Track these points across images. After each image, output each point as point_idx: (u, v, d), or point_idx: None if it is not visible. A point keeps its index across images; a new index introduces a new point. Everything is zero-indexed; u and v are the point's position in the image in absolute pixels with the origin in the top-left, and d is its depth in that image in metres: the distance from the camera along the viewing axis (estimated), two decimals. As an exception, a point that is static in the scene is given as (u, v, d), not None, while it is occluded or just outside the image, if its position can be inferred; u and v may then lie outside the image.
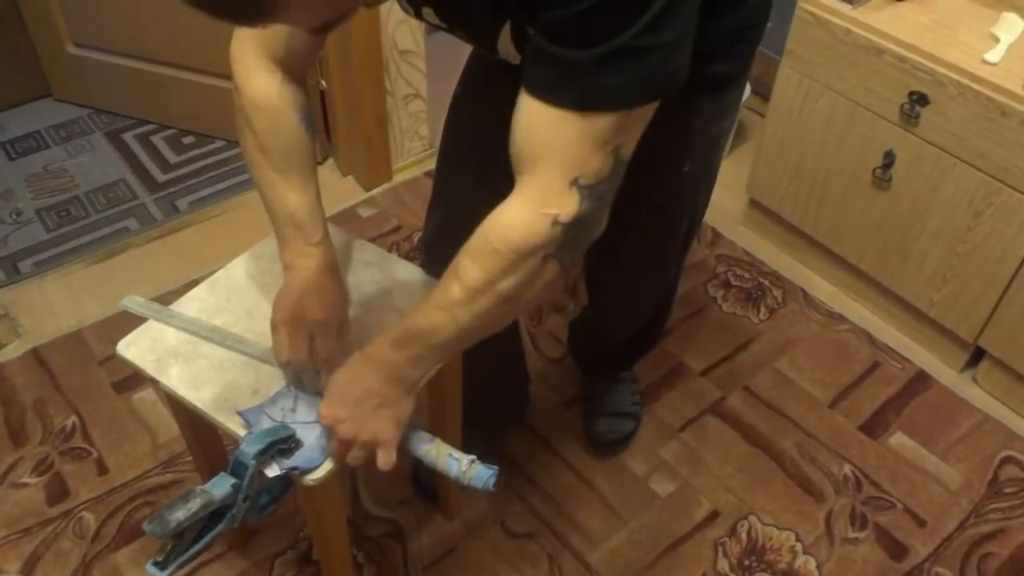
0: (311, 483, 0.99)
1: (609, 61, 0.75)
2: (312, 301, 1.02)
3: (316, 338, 1.01)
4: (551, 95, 0.79)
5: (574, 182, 0.81)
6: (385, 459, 0.96)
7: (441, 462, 0.99)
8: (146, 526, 0.89)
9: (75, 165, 2.26)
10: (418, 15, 0.95)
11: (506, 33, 0.87)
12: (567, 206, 0.82)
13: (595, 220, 0.85)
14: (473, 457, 0.99)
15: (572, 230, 0.83)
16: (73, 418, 1.67)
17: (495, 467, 0.97)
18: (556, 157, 0.81)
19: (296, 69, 1.04)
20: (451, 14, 0.93)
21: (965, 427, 1.70)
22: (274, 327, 1.03)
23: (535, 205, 0.82)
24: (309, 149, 1.06)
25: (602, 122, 0.78)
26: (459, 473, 0.97)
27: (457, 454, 0.99)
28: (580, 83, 0.77)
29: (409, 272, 1.23)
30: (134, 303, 1.17)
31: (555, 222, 0.82)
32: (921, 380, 1.78)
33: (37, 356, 1.78)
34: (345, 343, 1.06)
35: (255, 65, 1.02)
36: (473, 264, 0.86)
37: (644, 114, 0.81)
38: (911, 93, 1.60)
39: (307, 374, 1.03)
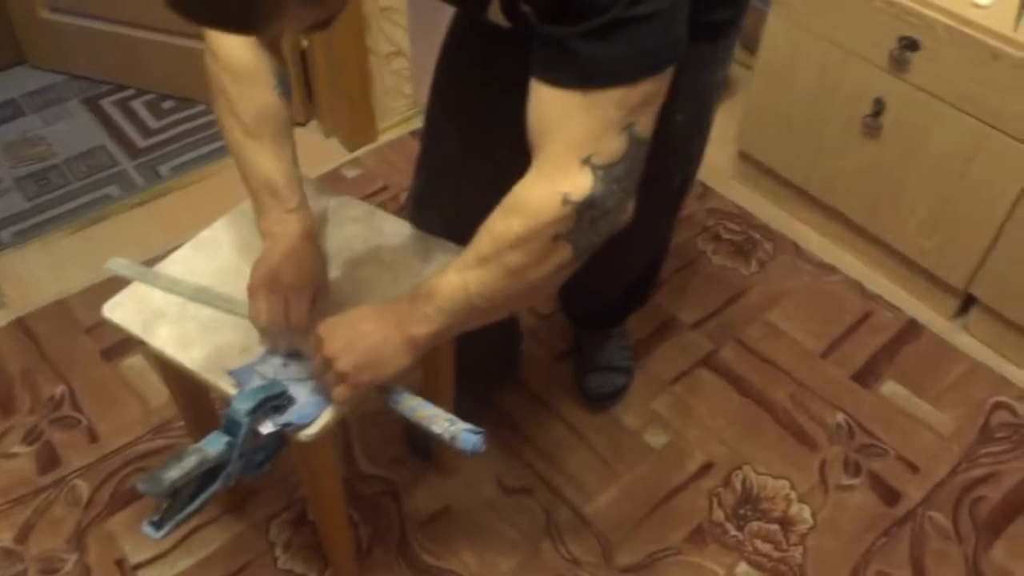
0: (305, 439, 0.98)
1: (602, 35, 0.75)
2: (288, 266, 1.01)
3: (291, 302, 1.00)
4: (552, 75, 0.79)
5: (586, 161, 0.80)
6: (340, 393, 0.95)
7: (429, 424, 0.97)
8: (140, 485, 0.88)
9: (53, 132, 2.21)
10: None
11: (496, 2, 0.87)
12: (578, 185, 0.81)
13: (613, 205, 0.84)
14: (457, 420, 0.97)
15: (586, 212, 0.83)
16: (62, 387, 1.65)
17: (481, 430, 0.96)
18: (564, 135, 0.81)
19: (270, 38, 1.02)
20: None
21: (956, 374, 1.70)
22: (250, 291, 1.02)
23: (547, 181, 0.82)
24: (284, 114, 1.04)
25: (605, 98, 0.78)
26: (448, 435, 0.96)
27: (446, 416, 0.97)
28: (576, 60, 0.77)
29: (397, 227, 1.21)
30: (118, 265, 1.15)
31: (566, 201, 0.82)
32: (912, 329, 1.78)
33: (22, 326, 1.76)
34: (323, 309, 1.05)
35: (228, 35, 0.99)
36: (487, 233, 0.87)
37: (654, 88, 0.80)
38: (901, 39, 1.58)
39: (284, 338, 1.02)
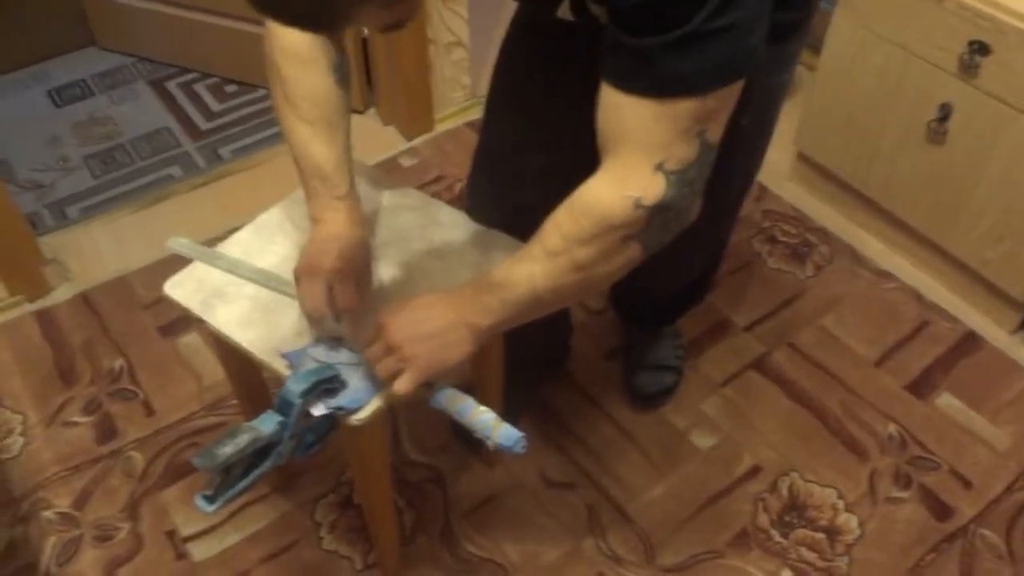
0: (356, 423, 0.99)
1: (681, 47, 0.75)
2: (331, 251, 1.01)
3: (334, 287, 1.01)
4: (627, 83, 0.79)
5: (659, 167, 0.81)
6: (404, 383, 0.94)
7: (470, 421, 0.96)
8: (195, 459, 0.90)
9: (120, 113, 2.27)
10: None
11: (566, 2, 0.87)
12: (651, 189, 0.82)
13: (684, 206, 0.85)
14: (498, 417, 0.96)
15: (658, 215, 0.84)
16: (120, 360, 1.70)
17: (522, 433, 0.95)
18: (638, 142, 0.81)
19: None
20: None
21: (1016, 389, 1.66)
22: (296, 276, 1.03)
23: (618, 186, 0.83)
24: (340, 102, 1.05)
25: (680, 108, 0.78)
26: (488, 434, 0.95)
27: (488, 414, 0.96)
28: (654, 70, 0.77)
29: (452, 217, 1.22)
30: (179, 244, 1.18)
31: (638, 205, 0.83)
32: (971, 341, 1.74)
33: (85, 300, 1.81)
34: (366, 296, 1.06)
35: None
36: (555, 229, 0.88)
37: (727, 96, 0.81)
38: (971, 43, 1.54)
39: (327, 322, 1.02)
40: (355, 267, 1.03)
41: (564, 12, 0.89)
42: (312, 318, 1.03)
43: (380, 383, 0.99)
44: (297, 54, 1.01)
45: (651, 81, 0.78)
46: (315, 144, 1.03)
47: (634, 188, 0.82)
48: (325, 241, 1.02)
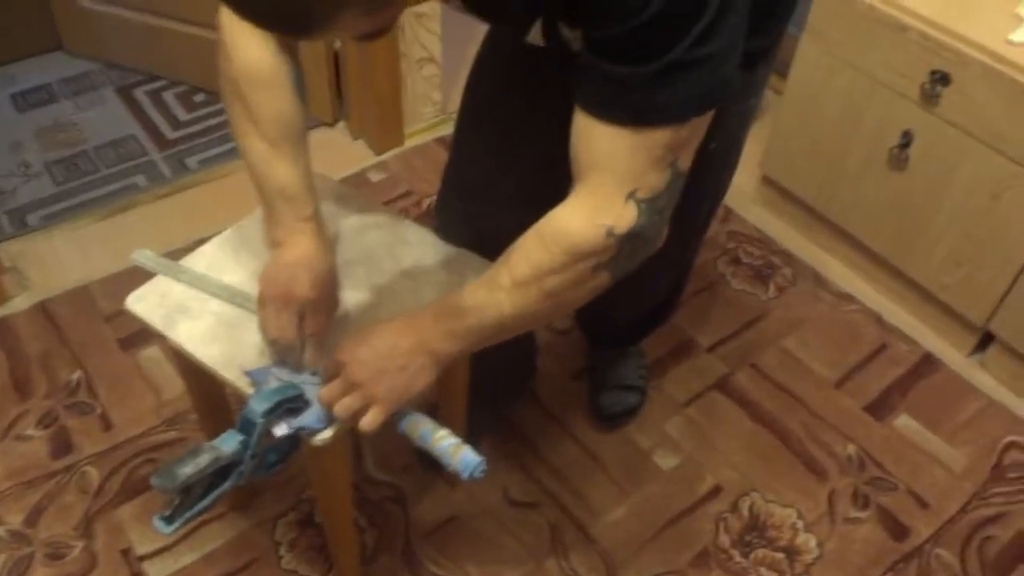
0: (319, 443, 0.98)
1: (660, 77, 0.75)
2: (302, 278, 0.99)
3: (306, 316, 0.99)
4: (604, 111, 0.79)
5: (631, 195, 0.81)
6: (371, 420, 0.93)
7: (431, 445, 0.95)
8: (154, 479, 0.89)
9: (85, 119, 2.24)
10: (445, 0, 0.94)
11: (537, 27, 0.87)
12: (623, 219, 0.82)
13: (653, 234, 0.86)
14: (460, 441, 0.96)
15: (628, 243, 0.84)
16: (78, 372, 1.67)
17: (481, 457, 0.94)
18: (611, 171, 0.81)
19: (290, 40, 1.01)
20: (480, 4, 0.91)
21: (971, 411, 1.69)
22: (261, 302, 1.01)
23: (590, 214, 0.83)
24: (302, 119, 1.03)
25: (655, 137, 0.79)
26: (447, 457, 0.94)
27: (448, 438, 0.95)
28: (632, 100, 0.77)
29: (420, 236, 1.22)
30: (144, 257, 1.16)
31: (609, 233, 0.83)
32: (928, 363, 1.77)
33: (44, 309, 1.78)
34: (333, 320, 1.05)
35: (247, 33, 0.98)
36: (523, 257, 0.87)
37: (700, 125, 0.81)
38: (933, 72, 1.57)
39: (293, 353, 1.01)
40: (326, 295, 1.02)
41: (535, 37, 0.89)
42: (277, 347, 1.01)
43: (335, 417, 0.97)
44: (259, 74, 0.99)
45: (628, 110, 0.78)
46: (280, 164, 1.01)
47: (606, 217, 0.82)
48: (295, 267, 0.99)
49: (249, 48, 0.98)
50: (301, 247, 1.01)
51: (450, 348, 0.93)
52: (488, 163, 1.24)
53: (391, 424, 0.97)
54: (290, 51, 1.01)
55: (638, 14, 0.72)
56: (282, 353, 1.02)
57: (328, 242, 1.05)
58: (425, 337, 0.93)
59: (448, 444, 0.94)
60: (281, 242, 1.02)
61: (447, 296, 0.94)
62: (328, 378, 0.96)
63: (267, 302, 1.00)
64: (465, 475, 0.93)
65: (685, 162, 0.83)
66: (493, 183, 1.23)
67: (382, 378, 0.92)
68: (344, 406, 0.94)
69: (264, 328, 1.01)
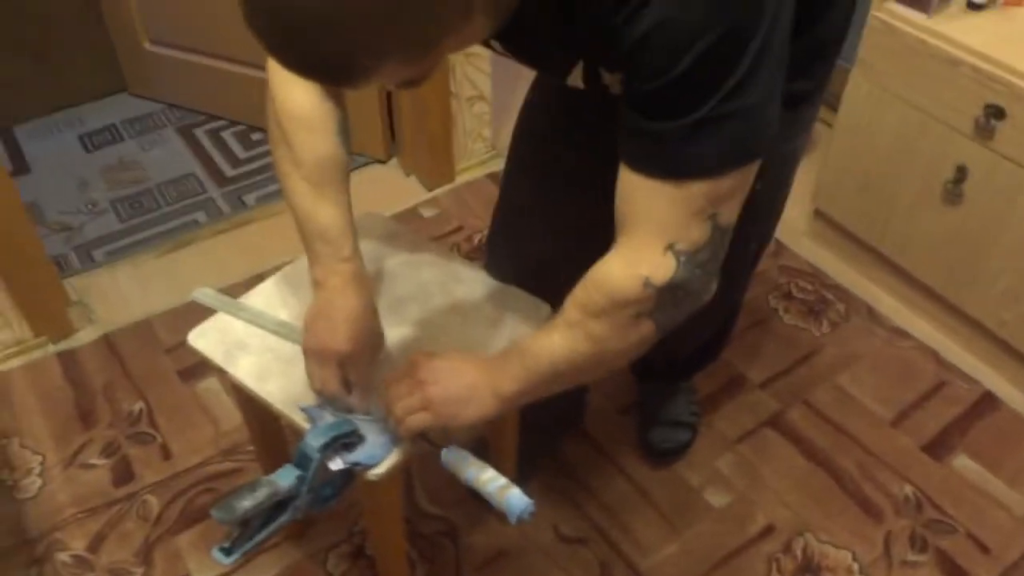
0: (373, 478, 1.00)
1: (694, 131, 0.76)
2: (341, 331, 1.00)
3: (347, 368, 1.01)
4: (642, 165, 0.81)
5: (670, 247, 0.82)
6: (419, 421, 0.95)
7: (478, 483, 0.96)
8: (214, 512, 0.91)
9: (148, 158, 2.32)
10: (486, 44, 0.96)
11: (578, 70, 0.89)
12: (661, 270, 0.83)
13: (696, 288, 0.86)
14: (507, 483, 0.96)
15: (667, 294, 0.84)
16: (140, 403, 1.72)
17: (531, 500, 0.95)
18: (650, 223, 0.82)
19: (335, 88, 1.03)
20: (521, 49, 0.93)
21: (1033, 452, 1.65)
22: (305, 353, 1.03)
23: (629, 265, 0.84)
24: (344, 164, 1.05)
25: (693, 190, 0.79)
26: (495, 498, 0.94)
27: (496, 478, 0.96)
28: (668, 153, 0.78)
29: (471, 273, 1.24)
30: (204, 295, 1.20)
31: (647, 284, 0.84)
32: (988, 402, 1.73)
33: (108, 342, 1.84)
34: (378, 363, 1.06)
35: (293, 78, 1.00)
36: (573, 302, 0.90)
37: (741, 179, 0.82)
38: (987, 106, 1.56)
39: (339, 402, 1.03)
40: (367, 345, 1.03)
41: (575, 80, 0.90)
42: (322, 395, 1.04)
43: (397, 438, 1.00)
44: (304, 119, 1.01)
45: (664, 164, 0.79)
46: (321, 206, 1.02)
47: (644, 267, 0.83)
48: (333, 320, 1.00)
49: (294, 92, 1.01)
50: (339, 291, 1.02)
51: (510, 388, 0.94)
52: (533, 196, 1.26)
53: (436, 453, 0.99)
54: (335, 97, 1.04)
55: (670, 71, 0.73)
56: (329, 401, 1.04)
57: (366, 284, 1.05)
58: (490, 374, 0.95)
59: (496, 486, 0.95)
60: (321, 282, 1.03)
61: (515, 340, 0.97)
62: (398, 378, 0.98)
63: (308, 355, 1.02)
64: (514, 518, 0.93)
65: (728, 217, 0.83)
66: (537, 221, 1.25)
67: (444, 387, 0.95)
68: (405, 404, 0.96)
69: (309, 379, 1.03)
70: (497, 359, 0.97)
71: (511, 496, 0.93)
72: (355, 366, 1.01)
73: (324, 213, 1.03)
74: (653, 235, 0.82)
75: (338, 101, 1.04)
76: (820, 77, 1.09)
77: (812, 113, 1.15)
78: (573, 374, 0.93)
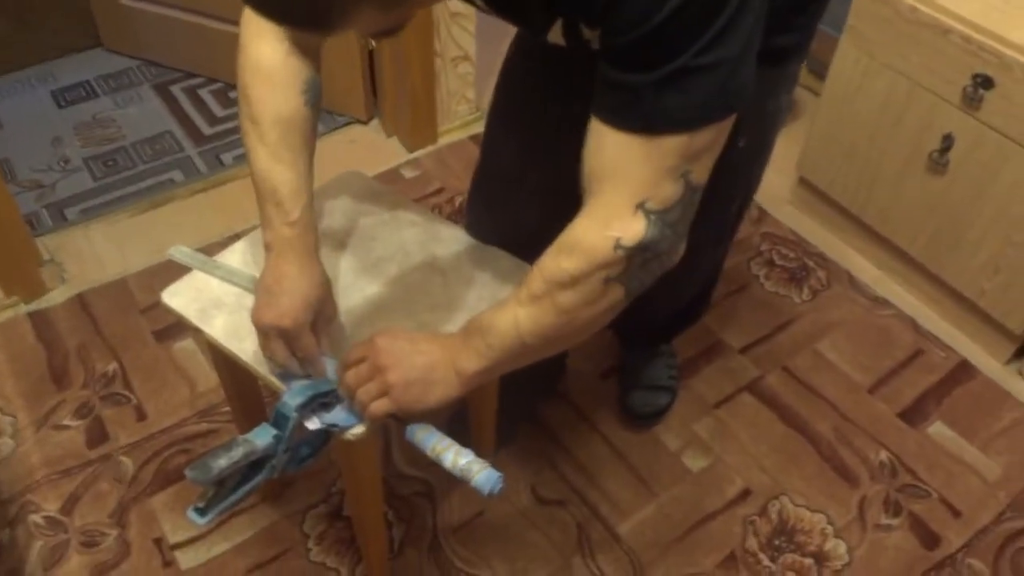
0: (350, 438, 0.99)
1: (669, 83, 0.75)
2: (282, 305, 0.97)
3: (291, 342, 0.98)
4: (616, 119, 0.78)
5: (640, 206, 0.80)
6: (380, 408, 0.93)
7: (445, 459, 0.95)
8: (189, 472, 0.90)
9: (123, 115, 2.27)
10: (468, 0, 0.94)
11: (557, 27, 0.86)
12: (631, 230, 0.81)
13: (666, 248, 0.84)
14: (474, 459, 0.95)
15: (637, 256, 0.82)
16: (114, 364, 1.69)
17: (500, 472, 0.94)
18: (622, 180, 0.80)
19: (309, 42, 0.99)
20: (501, 5, 0.91)
21: (1007, 420, 1.66)
22: (255, 324, 1.00)
23: (599, 226, 0.82)
24: (306, 125, 1.00)
25: (667, 145, 0.77)
26: (463, 473, 0.94)
27: (463, 453, 0.95)
28: (641, 107, 0.76)
29: (452, 234, 1.22)
30: (180, 253, 1.18)
31: (618, 245, 0.81)
32: (964, 370, 1.74)
33: (81, 302, 1.81)
34: (334, 329, 1.04)
35: (265, 29, 0.97)
36: (539, 273, 0.87)
37: (714, 136, 0.80)
38: (975, 75, 1.55)
39: (295, 372, 1.01)
40: (313, 311, 0.99)
41: (555, 37, 0.88)
42: (287, 369, 1.01)
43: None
44: (268, 74, 0.97)
45: (638, 117, 0.77)
46: (275, 166, 0.98)
47: (615, 228, 0.81)
48: (275, 294, 0.98)
49: (261, 44, 0.97)
50: (285, 259, 0.99)
51: (474, 366, 0.92)
52: (514, 162, 1.24)
53: (399, 432, 0.97)
54: (308, 55, 0.99)
55: (646, 22, 0.72)
56: (287, 371, 1.01)
57: (313, 252, 1.01)
58: (453, 353, 0.93)
59: (462, 465, 0.93)
60: (268, 246, 1.00)
61: (475, 316, 0.94)
62: (356, 361, 0.95)
63: (257, 328, 1.00)
64: (485, 492, 0.92)
65: (700, 175, 0.81)
66: (519, 182, 1.23)
67: (405, 371, 0.92)
68: (366, 390, 0.94)
69: (264, 352, 1.01)
70: (460, 336, 0.93)
71: (479, 476, 0.92)
72: (297, 339, 0.98)
73: (276, 174, 0.99)
74: (623, 193, 0.80)
75: (309, 59, 1.00)
76: (803, 32, 1.08)
77: (796, 69, 1.14)
78: (541, 347, 0.90)
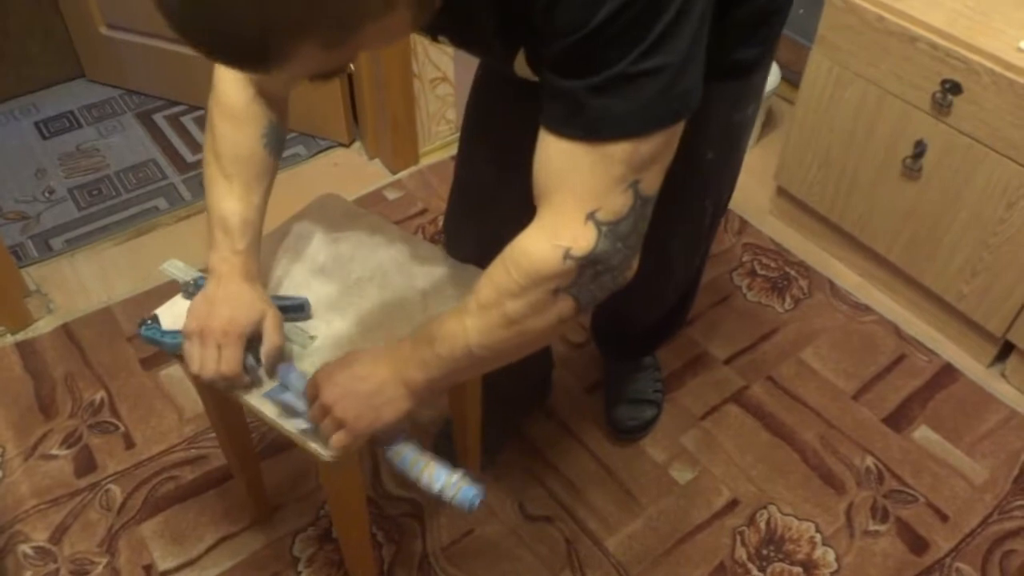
0: (328, 459, 1.00)
1: (610, 89, 0.74)
2: (220, 311, 1.01)
3: (222, 349, 1.00)
4: (560, 128, 0.78)
5: (590, 216, 0.79)
6: (337, 440, 0.95)
7: (423, 476, 0.96)
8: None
9: (107, 145, 2.29)
10: (434, 39, 0.96)
11: (521, 58, 0.87)
12: (581, 240, 0.80)
13: (618, 263, 0.83)
14: (460, 473, 0.96)
15: (588, 268, 0.81)
16: (101, 393, 1.70)
17: (481, 484, 0.94)
18: (570, 190, 0.79)
19: (272, 89, 1.04)
20: (465, 41, 0.93)
21: (992, 422, 1.67)
22: (185, 334, 1.03)
23: (548, 236, 0.81)
24: (263, 165, 1.05)
25: (613, 152, 0.77)
26: (442, 489, 0.94)
27: (443, 468, 0.96)
28: (585, 114, 0.76)
29: (430, 252, 1.23)
30: (174, 267, 1.19)
31: (567, 256, 0.80)
32: (948, 374, 1.76)
33: (68, 331, 1.81)
34: (280, 348, 1.06)
35: (231, 75, 1.02)
36: (488, 282, 0.86)
37: (662, 144, 0.79)
38: (944, 81, 1.57)
39: (229, 385, 1.03)
40: (245, 329, 1.02)
41: (523, 70, 0.88)
42: (204, 380, 1.03)
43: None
44: (232, 113, 1.02)
45: (582, 124, 0.76)
46: (227, 197, 1.04)
47: (564, 238, 0.80)
48: (216, 300, 1.01)
49: (228, 87, 1.03)
50: (227, 279, 1.03)
51: (423, 377, 0.92)
52: (488, 178, 1.25)
53: (378, 452, 0.98)
54: (272, 102, 1.04)
55: (582, 27, 0.72)
56: (222, 385, 1.04)
57: (254, 276, 1.06)
58: (400, 366, 0.93)
59: (440, 484, 0.94)
60: (212, 269, 1.05)
61: (424, 324, 0.93)
62: (312, 399, 0.97)
63: (188, 334, 1.02)
64: (466, 508, 0.93)
65: (650, 186, 0.80)
66: (494, 198, 1.24)
67: (351, 402, 0.93)
68: (323, 427, 0.96)
69: (188, 360, 1.02)
70: (406, 347, 0.93)
71: (457, 494, 0.94)
72: (228, 348, 1.00)
73: (227, 204, 1.04)
74: (573, 203, 0.79)
75: (272, 107, 1.05)
76: (766, 44, 1.09)
77: (761, 81, 1.15)
78: (491, 358, 0.89)
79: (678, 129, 0.80)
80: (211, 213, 1.06)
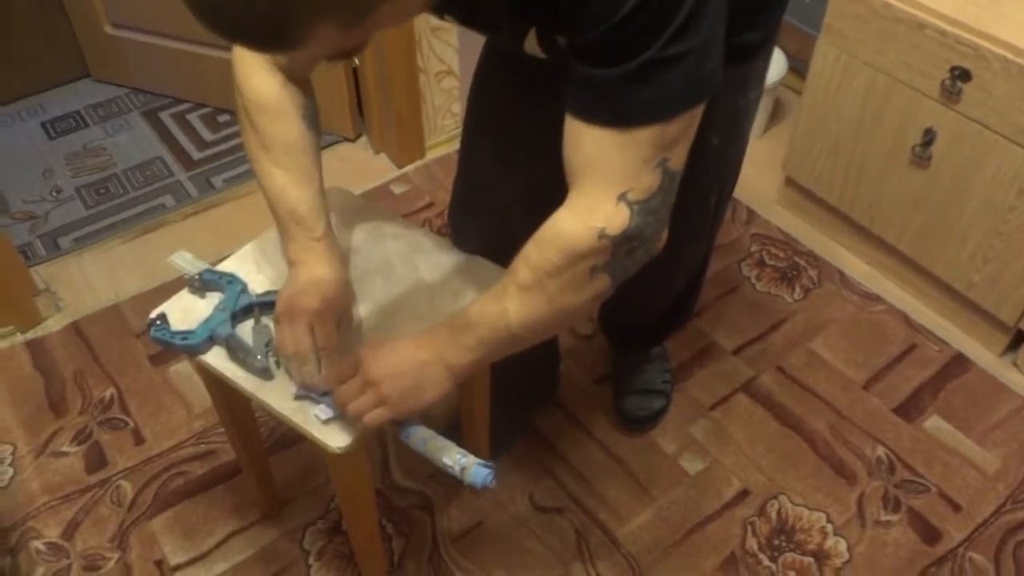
0: (337, 451, 1.00)
1: (639, 76, 0.76)
2: (309, 292, 1.01)
3: (315, 327, 1.01)
4: (588, 115, 0.80)
5: (622, 197, 0.82)
6: (377, 416, 0.95)
7: (440, 456, 0.97)
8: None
9: (113, 144, 2.29)
10: (440, 17, 0.96)
11: (532, 37, 0.88)
12: (615, 220, 0.83)
13: (650, 236, 0.86)
14: (465, 455, 0.97)
15: (622, 245, 0.84)
16: (111, 390, 1.70)
17: (492, 465, 0.96)
18: (601, 173, 0.82)
19: (298, 72, 1.04)
20: (474, 19, 0.93)
21: (1004, 411, 1.66)
22: (276, 322, 1.04)
23: (583, 217, 0.84)
24: (311, 145, 1.06)
25: (642, 136, 0.79)
26: (458, 468, 0.95)
27: (457, 449, 0.97)
28: (614, 101, 0.78)
29: (435, 244, 1.23)
30: (182, 259, 1.19)
31: (602, 235, 0.83)
32: (959, 363, 1.74)
33: (77, 329, 1.82)
34: (349, 335, 1.06)
35: (257, 66, 1.02)
36: (524, 264, 0.88)
37: (687, 123, 0.81)
38: (952, 68, 1.56)
39: (309, 368, 1.02)
40: (335, 307, 1.03)
41: (533, 49, 0.89)
42: (296, 363, 1.02)
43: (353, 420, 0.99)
44: (269, 105, 1.03)
45: (612, 112, 0.79)
46: (290, 187, 1.04)
47: (598, 219, 0.83)
48: (305, 284, 1.02)
49: (258, 80, 1.03)
50: (313, 265, 1.04)
51: (465, 360, 0.94)
52: (492, 169, 1.25)
53: (394, 434, 0.98)
54: (298, 82, 1.05)
55: (611, 17, 0.73)
56: (298, 372, 1.03)
57: (340, 259, 1.07)
58: (441, 350, 0.95)
59: (456, 463, 0.95)
60: (295, 260, 1.05)
61: (462, 309, 0.95)
62: (346, 377, 0.97)
63: (279, 319, 1.03)
64: (479, 486, 0.95)
65: (677, 162, 0.83)
66: (498, 189, 1.24)
67: (397, 380, 0.94)
68: (358, 404, 0.95)
69: (279, 345, 1.03)
70: (448, 331, 0.95)
71: (472, 472, 0.95)
72: (321, 325, 1.01)
73: (292, 195, 1.04)
74: (605, 186, 0.82)
75: (301, 86, 1.05)
76: (768, 28, 1.09)
77: (763, 64, 1.15)
78: (530, 336, 0.92)
79: (701, 108, 0.82)
80: (276, 207, 1.05)
